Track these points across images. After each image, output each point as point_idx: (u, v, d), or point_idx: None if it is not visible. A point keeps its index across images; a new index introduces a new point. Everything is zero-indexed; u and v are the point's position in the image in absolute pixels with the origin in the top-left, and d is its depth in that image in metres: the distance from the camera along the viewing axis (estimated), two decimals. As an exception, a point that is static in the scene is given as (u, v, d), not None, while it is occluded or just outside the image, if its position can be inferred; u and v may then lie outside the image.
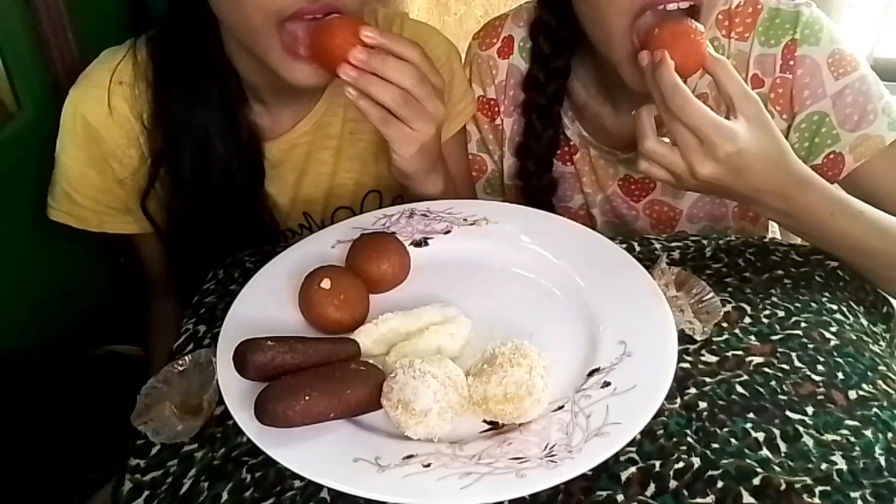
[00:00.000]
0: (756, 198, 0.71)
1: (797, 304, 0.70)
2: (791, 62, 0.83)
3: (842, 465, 0.54)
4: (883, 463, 0.55)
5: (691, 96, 0.67)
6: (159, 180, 0.87)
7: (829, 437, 0.57)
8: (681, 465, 0.54)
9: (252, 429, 0.54)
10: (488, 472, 0.51)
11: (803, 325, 0.68)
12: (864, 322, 0.71)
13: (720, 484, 0.53)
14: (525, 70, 0.96)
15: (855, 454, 0.55)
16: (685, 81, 0.68)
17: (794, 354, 0.64)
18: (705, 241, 0.80)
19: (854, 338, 0.67)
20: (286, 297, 0.68)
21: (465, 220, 0.78)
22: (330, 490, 0.54)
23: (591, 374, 0.59)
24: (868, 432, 0.57)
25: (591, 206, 1.00)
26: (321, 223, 0.96)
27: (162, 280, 1.00)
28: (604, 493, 0.52)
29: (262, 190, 0.91)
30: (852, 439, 0.56)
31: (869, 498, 0.52)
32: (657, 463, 0.55)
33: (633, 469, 0.54)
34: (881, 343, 0.69)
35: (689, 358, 0.64)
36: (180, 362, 0.64)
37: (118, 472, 0.59)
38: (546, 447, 0.53)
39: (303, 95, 0.90)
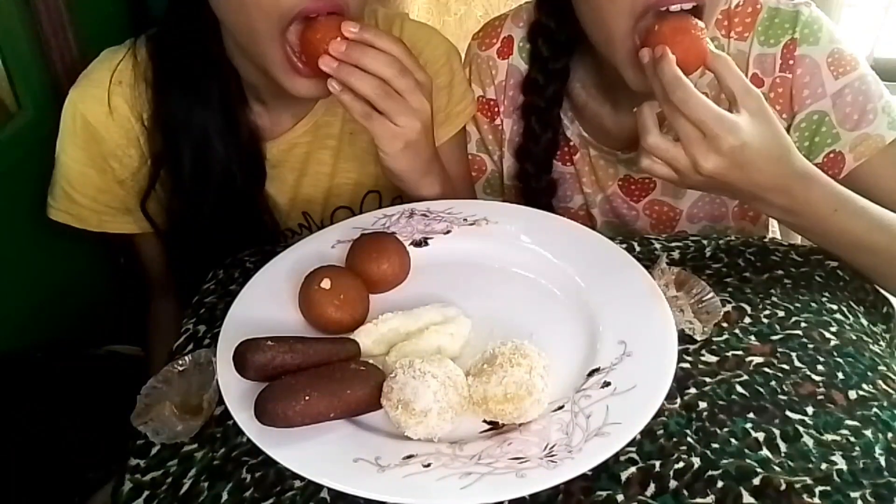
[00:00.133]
0: (759, 194, 0.70)
1: (797, 304, 0.70)
2: (791, 61, 0.83)
3: (842, 465, 0.54)
4: (883, 463, 0.55)
5: (693, 89, 0.67)
6: (159, 181, 0.87)
7: (829, 437, 0.57)
8: (681, 465, 0.54)
9: (252, 429, 0.54)
10: (488, 472, 0.51)
11: (803, 325, 0.68)
12: (864, 322, 0.71)
13: (720, 484, 0.53)
14: (525, 70, 0.96)
15: (855, 454, 0.55)
16: None
17: (794, 354, 0.64)
18: (705, 241, 0.80)
19: (854, 338, 0.67)
20: (286, 297, 0.68)
21: (465, 220, 0.78)
22: (330, 490, 0.54)
23: (591, 374, 0.59)
24: (868, 432, 0.57)
25: (590, 206, 1.00)
26: (321, 223, 0.96)
27: (162, 280, 1.00)
28: (604, 493, 0.52)
29: (262, 190, 0.91)
30: (852, 439, 0.56)
31: (869, 498, 0.52)
32: (657, 463, 0.55)
33: (633, 469, 0.54)
34: (881, 343, 0.69)
35: (689, 358, 0.64)
36: (180, 362, 0.64)
37: (118, 472, 0.59)
38: (546, 447, 0.53)
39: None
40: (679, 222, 0.97)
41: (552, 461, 0.51)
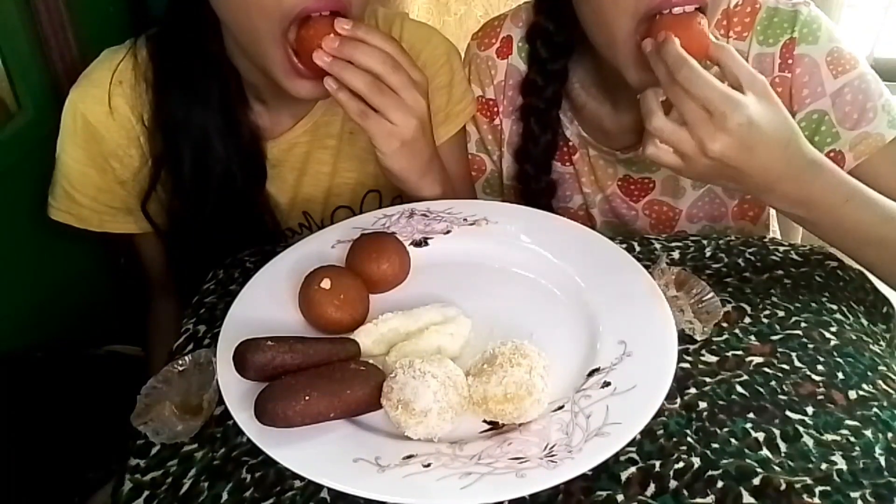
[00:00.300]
0: (768, 183, 0.69)
1: (797, 304, 0.70)
2: (790, 61, 0.83)
3: (842, 465, 0.54)
4: (883, 463, 0.55)
5: (698, 66, 0.66)
6: (160, 181, 0.87)
7: (829, 437, 0.57)
8: (681, 465, 0.54)
9: (252, 429, 0.54)
10: (488, 472, 0.51)
11: (803, 325, 0.68)
12: (864, 322, 0.71)
13: (720, 484, 0.53)
14: (524, 70, 0.96)
15: (855, 454, 0.55)
16: None
17: (794, 354, 0.64)
18: (705, 241, 0.80)
19: (854, 338, 0.67)
20: (286, 297, 0.68)
21: (465, 220, 0.78)
22: (330, 490, 0.54)
23: (591, 374, 0.59)
24: (868, 432, 0.57)
25: (590, 206, 1.00)
26: (321, 223, 0.96)
27: (162, 280, 1.00)
28: (604, 493, 0.52)
29: (262, 190, 0.91)
30: (852, 439, 0.56)
31: (869, 498, 0.52)
32: (657, 463, 0.55)
33: (633, 469, 0.54)
34: (881, 343, 0.69)
35: (689, 358, 0.64)
36: (180, 362, 0.64)
37: (118, 472, 0.59)
38: (546, 447, 0.53)
39: None
40: (678, 222, 0.97)
41: (552, 461, 0.51)
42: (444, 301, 0.67)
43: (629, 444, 0.53)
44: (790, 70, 0.83)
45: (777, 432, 0.57)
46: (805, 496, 0.52)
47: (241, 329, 0.62)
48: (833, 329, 0.67)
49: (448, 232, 0.77)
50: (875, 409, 0.59)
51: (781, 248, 0.79)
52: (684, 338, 0.65)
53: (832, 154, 0.83)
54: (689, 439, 0.57)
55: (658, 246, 0.80)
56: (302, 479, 0.54)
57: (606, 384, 0.57)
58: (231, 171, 0.86)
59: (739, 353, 0.65)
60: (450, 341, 0.62)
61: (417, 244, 0.75)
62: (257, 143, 0.89)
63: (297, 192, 0.95)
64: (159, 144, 0.86)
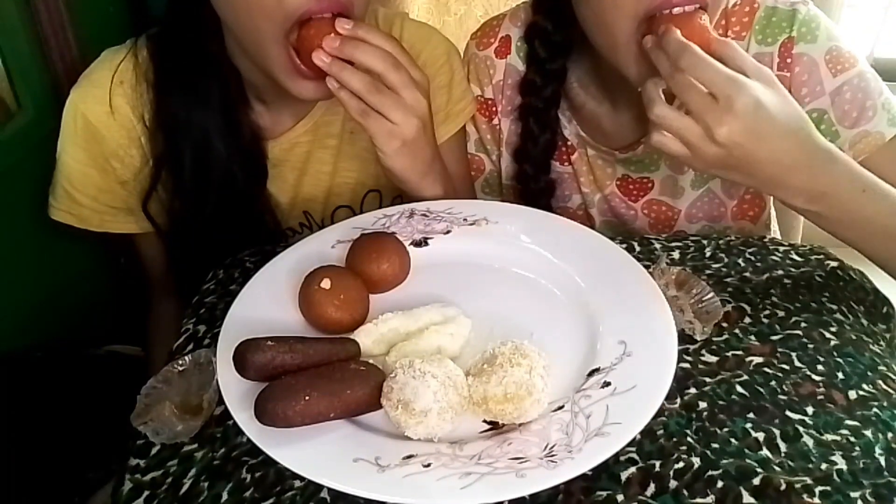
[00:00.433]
0: (780, 174, 0.67)
1: (797, 304, 0.70)
2: (788, 60, 0.83)
3: (842, 465, 0.54)
4: (883, 463, 0.55)
5: (701, 51, 0.65)
6: (161, 181, 0.87)
7: (829, 437, 0.57)
8: (681, 465, 0.54)
9: (252, 429, 0.54)
10: (488, 472, 0.51)
11: (803, 325, 0.68)
12: (864, 322, 0.71)
13: (720, 484, 0.53)
14: (522, 70, 0.96)
15: (855, 454, 0.55)
16: None
17: (794, 354, 0.64)
18: (705, 241, 0.80)
19: (854, 338, 0.67)
20: (286, 297, 0.68)
21: (465, 220, 0.78)
22: (330, 490, 0.54)
23: (591, 374, 0.59)
24: (868, 432, 0.57)
25: (589, 206, 1.00)
26: (321, 222, 0.96)
27: (162, 280, 1.00)
28: (604, 493, 0.52)
29: (263, 189, 0.91)
30: (852, 439, 0.56)
31: (869, 498, 0.52)
32: (657, 463, 0.55)
33: (633, 469, 0.54)
34: (881, 343, 0.69)
35: (689, 358, 0.64)
36: (180, 362, 0.64)
37: (118, 472, 0.59)
38: (546, 447, 0.53)
39: None
40: (678, 222, 0.97)
41: (552, 461, 0.51)
42: (444, 301, 0.67)
43: (629, 444, 0.53)
44: (789, 69, 0.83)
45: (777, 432, 0.57)
46: (805, 496, 0.52)
47: (241, 329, 0.62)
48: (833, 329, 0.67)
49: (448, 232, 0.77)
50: (875, 409, 0.59)
51: (781, 248, 0.79)
52: (684, 338, 0.65)
53: None
54: (689, 439, 0.57)
55: (658, 246, 0.80)
56: (302, 479, 0.54)
57: (606, 384, 0.57)
58: (232, 171, 0.86)
59: (739, 353, 0.65)
60: (450, 341, 0.62)
61: (417, 244, 0.75)
62: (258, 143, 0.89)
63: (298, 191, 0.95)
64: (160, 144, 0.86)
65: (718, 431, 0.57)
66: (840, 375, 0.62)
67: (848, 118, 0.82)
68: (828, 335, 0.66)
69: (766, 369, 0.63)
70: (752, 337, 0.66)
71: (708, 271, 0.75)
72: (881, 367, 0.64)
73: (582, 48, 0.91)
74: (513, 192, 1.02)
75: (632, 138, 0.93)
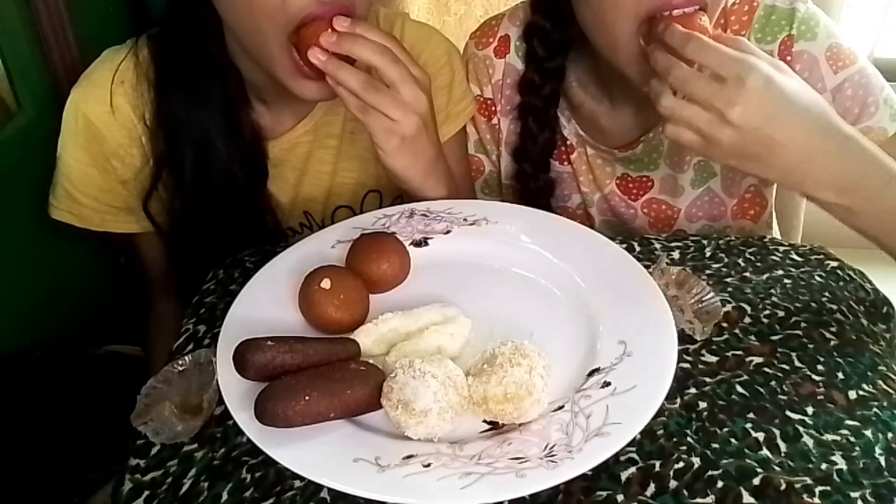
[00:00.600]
0: (803, 165, 0.64)
1: (797, 304, 0.70)
2: (788, 58, 0.83)
3: (842, 465, 0.54)
4: (883, 463, 0.55)
5: (706, 38, 0.65)
6: (161, 180, 0.87)
7: (829, 437, 0.57)
8: (681, 465, 0.54)
9: (252, 429, 0.54)
10: (488, 472, 0.51)
11: (803, 325, 0.68)
12: (864, 322, 0.71)
13: (720, 484, 0.53)
14: (521, 69, 0.96)
15: (855, 454, 0.55)
16: None
17: (794, 354, 0.64)
18: (705, 241, 0.80)
19: (854, 338, 0.67)
20: (286, 297, 0.68)
21: (465, 220, 0.78)
22: (330, 490, 0.54)
23: (591, 374, 0.59)
24: (868, 432, 0.57)
25: (588, 205, 1.00)
26: (322, 222, 0.96)
27: (163, 280, 1.00)
28: (604, 493, 0.52)
29: (263, 189, 0.91)
30: (852, 439, 0.56)
31: (869, 498, 0.52)
32: (657, 463, 0.55)
33: (633, 469, 0.54)
34: (881, 343, 0.69)
35: (689, 358, 0.64)
36: (180, 362, 0.64)
37: (118, 472, 0.59)
38: (546, 447, 0.53)
39: None
40: (677, 221, 0.97)
41: (552, 461, 0.51)
42: (444, 301, 0.67)
43: (629, 444, 0.53)
44: (789, 67, 0.83)
45: (777, 432, 0.57)
46: (805, 496, 0.52)
47: (241, 329, 0.62)
48: (833, 329, 0.67)
49: (448, 232, 0.77)
50: (875, 409, 0.59)
51: (781, 248, 0.79)
52: (684, 338, 0.65)
53: None
54: (689, 439, 0.57)
55: (658, 246, 0.80)
56: (302, 479, 0.54)
57: (606, 384, 0.57)
58: (232, 171, 0.86)
59: (739, 353, 0.65)
60: (450, 341, 0.62)
61: (417, 244, 0.75)
62: (259, 143, 0.89)
63: (298, 191, 0.95)
64: (161, 144, 0.86)
65: (718, 431, 0.57)
66: (840, 375, 0.62)
67: (850, 114, 0.81)
68: (828, 335, 0.66)
69: (766, 369, 0.63)
70: (752, 337, 0.66)
71: (708, 271, 0.75)
72: (881, 367, 0.64)
73: (581, 47, 0.91)
74: (512, 191, 1.02)
75: (631, 137, 0.93)
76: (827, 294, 0.73)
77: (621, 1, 0.73)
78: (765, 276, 0.74)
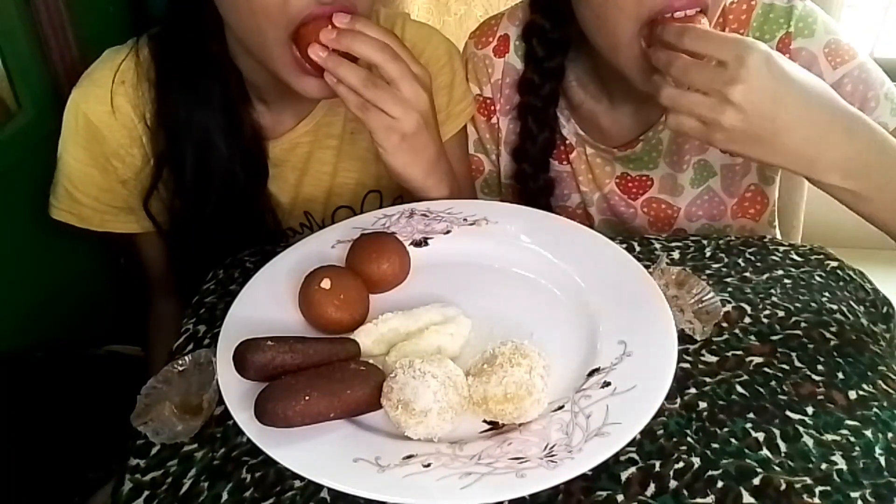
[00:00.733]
0: (811, 148, 0.64)
1: (797, 304, 0.70)
2: (787, 55, 0.83)
3: (842, 465, 0.54)
4: (883, 463, 0.55)
5: (701, 27, 0.65)
6: (162, 180, 0.87)
7: (829, 437, 0.57)
8: (681, 465, 0.54)
9: (252, 429, 0.54)
10: (488, 472, 0.51)
11: (803, 325, 0.68)
12: (864, 322, 0.71)
13: (720, 484, 0.53)
14: (520, 68, 0.96)
15: (855, 454, 0.55)
16: None
17: (794, 354, 0.64)
18: (705, 241, 0.80)
19: (854, 338, 0.67)
20: (286, 297, 0.68)
21: (465, 220, 0.78)
22: (330, 490, 0.54)
23: (591, 374, 0.59)
24: (868, 432, 0.57)
25: (588, 204, 1.00)
26: (322, 222, 0.96)
27: (163, 280, 1.00)
28: (604, 493, 0.52)
29: (264, 189, 0.91)
30: (852, 439, 0.56)
31: (869, 498, 0.52)
32: (657, 463, 0.55)
33: (633, 469, 0.54)
34: (881, 343, 0.69)
35: (689, 358, 0.64)
36: (180, 362, 0.64)
37: (118, 472, 0.59)
38: (546, 447, 0.53)
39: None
40: (677, 220, 0.97)
41: (552, 461, 0.51)
42: (444, 301, 0.67)
43: (629, 444, 0.53)
44: None
45: (777, 432, 0.57)
46: (805, 496, 0.52)
47: (241, 329, 0.62)
48: (833, 329, 0.67)
49: (448, 232, 0.77)
50: (875, 409, 0.59)
51: (781, 248, 0.79)
52: (684, 338, 0.65)
53: None
54: (689, 439, 0.57)
55: (658, 246, 0.80)
56: (302, 479, 0.54)
57: (606, 384, 0.57)
58: (233, 171, 0.86)
59: (739, 353, 0.65)
60: (450, 341, 0.62)
61: (417, 244, 0.75)
62: (259, 143, 0.89)
63: (299, 191, 0.95)
64: (161, 144, 0.86)
65: (718, 431, 0.57)
66: (840, 375, 0.62)
67: None
68: (828, 335, 0.67)
69: (766, 369, 0.63)
70: (752, 337, 0.66)
71: (708, 271, 0.75)
72: (881, 367, 0.64)
73: (580, 46, 0.91)
74: (512, 191, 1.02)
75: (630, 136, 0.93)
76: (827, 294, 0.73)
77: (623, 2, 0.73)
78: (765, 276, 0.74)
